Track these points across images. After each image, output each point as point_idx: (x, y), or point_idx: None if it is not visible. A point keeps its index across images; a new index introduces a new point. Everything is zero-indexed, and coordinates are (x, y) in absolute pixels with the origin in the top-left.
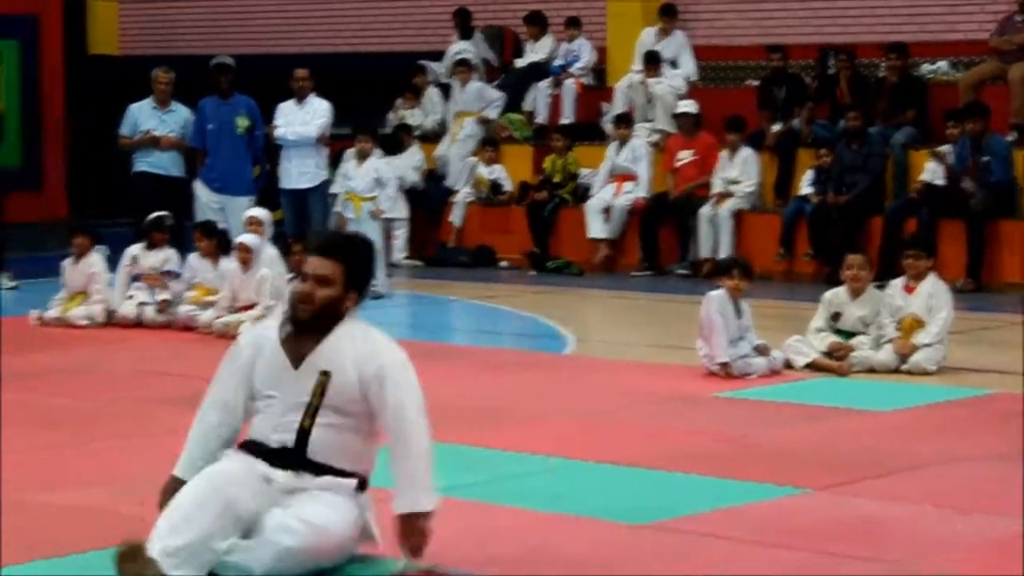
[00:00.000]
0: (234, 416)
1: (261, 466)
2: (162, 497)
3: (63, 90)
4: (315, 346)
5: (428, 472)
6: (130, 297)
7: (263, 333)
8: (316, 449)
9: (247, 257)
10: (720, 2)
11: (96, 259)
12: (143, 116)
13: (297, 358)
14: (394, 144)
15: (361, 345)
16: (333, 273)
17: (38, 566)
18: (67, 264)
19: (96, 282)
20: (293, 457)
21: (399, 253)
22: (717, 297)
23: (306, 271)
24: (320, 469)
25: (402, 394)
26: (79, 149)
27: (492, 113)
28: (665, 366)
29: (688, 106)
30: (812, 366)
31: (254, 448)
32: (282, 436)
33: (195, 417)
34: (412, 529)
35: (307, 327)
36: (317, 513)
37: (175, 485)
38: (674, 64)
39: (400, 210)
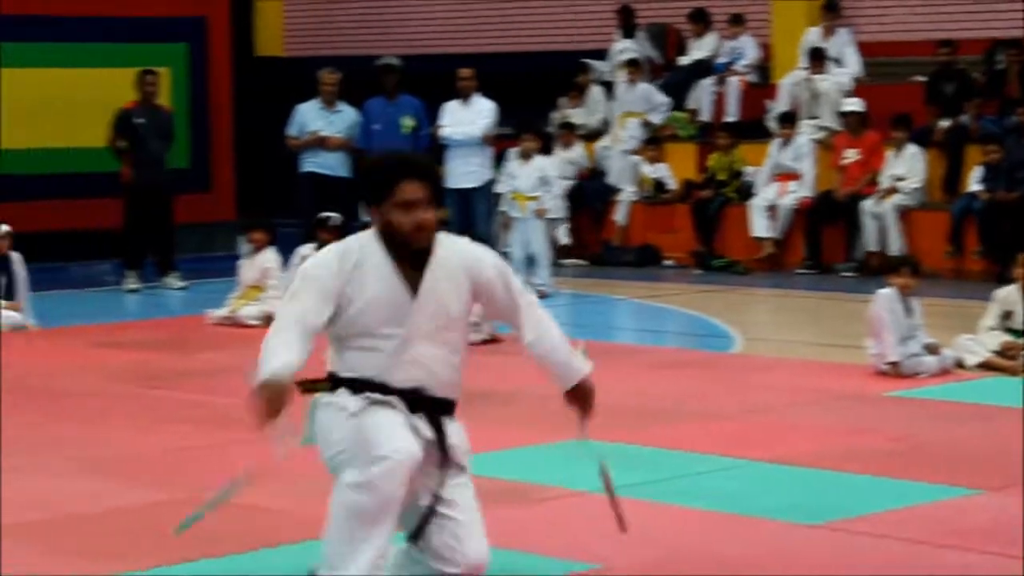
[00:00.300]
0: (311, 341)
1: (403, 415)
2: (266, 398)
3: (230, 92)
4: (423, 271)
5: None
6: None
7: (355, 268)
8: (443, 382)
9: None
10: None
11: (271, 255)
12: (310, 117)
13: (413, 287)
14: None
15: (464, 254)
16: (428, 194)
17: (212, 564)
18: (243, 260)
19: (270, 277)
20: (425, 396)
21: (561, 253)
22: (886, 295)
23: (412, 198)
24: (447, 406)
25: (523, 287)
26: (246, 150)
27: (656, 118)
28: (833, 365)
29: (855, 104)
30: (984, 365)
31: (379, 389)
32: (410, 374)
33: (272, 330)
34: (582, 392)
35: (417, 254)
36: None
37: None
38: (838, 62)
39: (562, 209)
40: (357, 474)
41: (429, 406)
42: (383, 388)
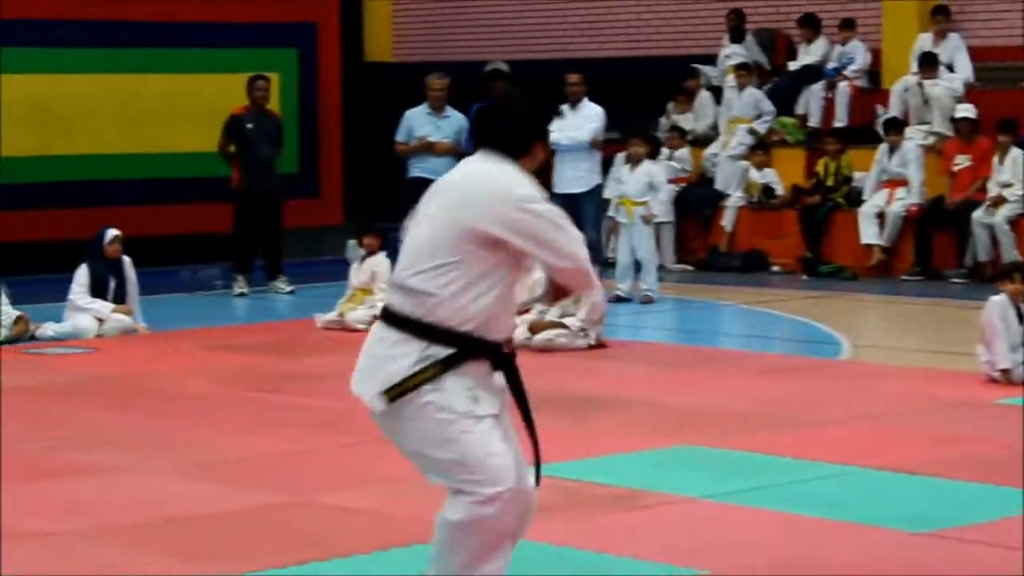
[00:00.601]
0: None
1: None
2: None
3: (339, 97)
4: None
5: None
6: None
7: None
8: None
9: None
10: (997, 2)
11: (382, 259)
12: (418, 122)
13: None
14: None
15: None
16: None
17: (320, 567)
18: (354, 264)
19: (379, 281)
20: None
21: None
22: (998, 302)
23: None
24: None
25: None
26: (354, 155)
27: (762, 128)
28: (943, 372)
29: (967, 110)
30: None
31: (476, 344)
32: (510, 323)
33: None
34: (594, 307)
35: None
36: None
37: None
38: (950, 67)
39: (668, 214)
40: (481, 504)
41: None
42: (480, 344)
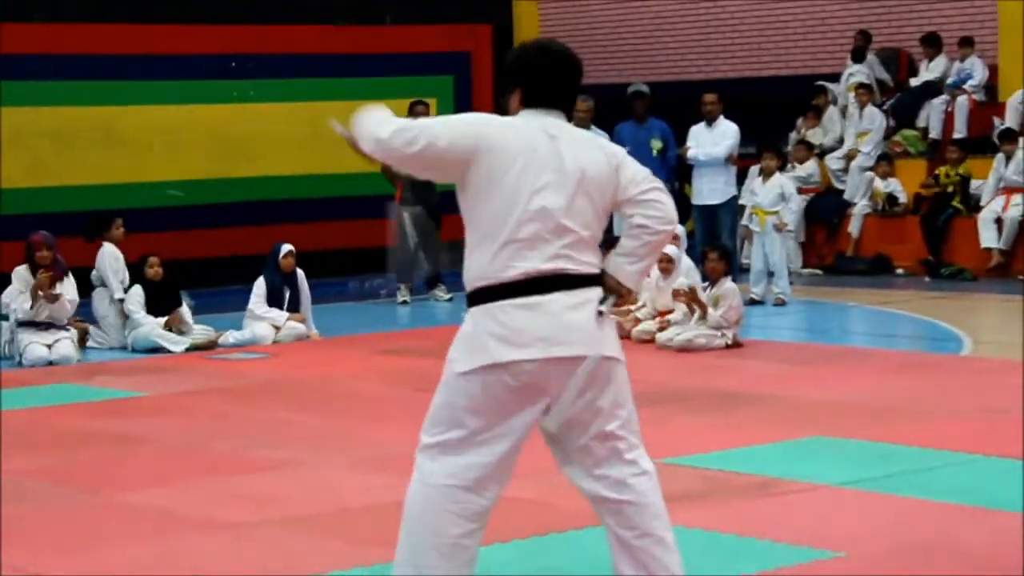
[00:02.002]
0: None
1: None
2: None
3: None
4: None
5: None
6: None
7: None
8: None
9: (668, 267)
10: None
11: None
12: None
13: None
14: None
15: None
16: None
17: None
18: None
19: None
20: None
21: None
22: None
23: None
24: None
25: None
26: None
27: (867, 149)
28: None
29: None
30: None
31: None
32: None
33: None
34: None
35: None
36: None
37: None
38: None
39: (799, 222)
40: None
41: None
42: None
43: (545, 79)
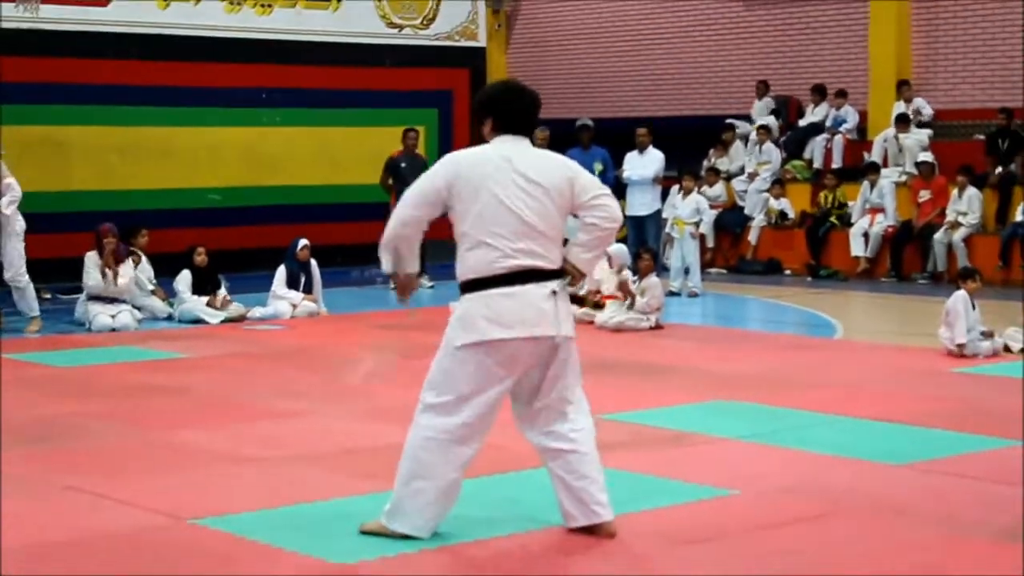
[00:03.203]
0: None
1: None
2: None
3: (469, 144)
4: None
5: None
6: None
7: None
8: None
9: (614, 262)
10: (955, 76)
11: None
12: None
13: None
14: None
15: None
16: None
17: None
18: None
19: None
20: None
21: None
22: (959, 296)
23: None
24: None
25: None
26: None
27: (765, 175)
28: (912, 348)
29: (927, 156)
30: None
31: None
32: None
33: None
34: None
35: None
36: None
37: None
38: (919, 124)
39: (710, 231)
40: None
41: None
42: None
43: (512, 111)
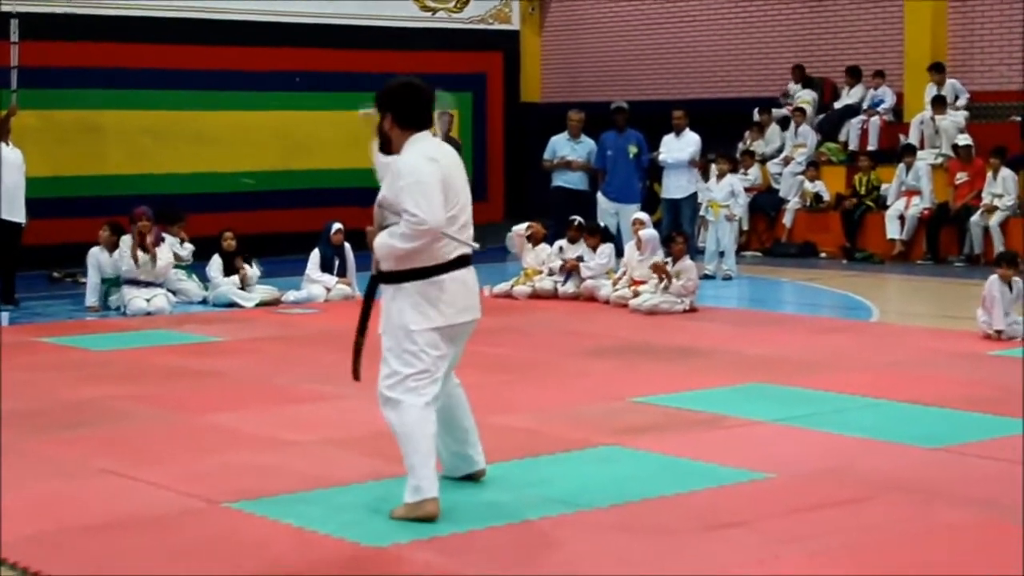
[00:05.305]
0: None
1: None
2: None
3: (502, 127)
4: None
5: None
6: (551, 274)
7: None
8: None
9: (644, 246)
10: (991, 57)
11: (545, 246)
12: (559, 145)
13: None
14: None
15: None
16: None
17: (492, 468)
18: (527, 249)
19: (548, 262)
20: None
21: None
22: (994, 280)
23: None
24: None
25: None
26: (513, 170)
27: (800, 158)
28: (949, 331)
29: (964, 139)
30: None
31: None
32: None
33: None
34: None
35: None
36: None
37: None
38: (955, 106)
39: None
40: None
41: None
42: None
43: (416, 107)
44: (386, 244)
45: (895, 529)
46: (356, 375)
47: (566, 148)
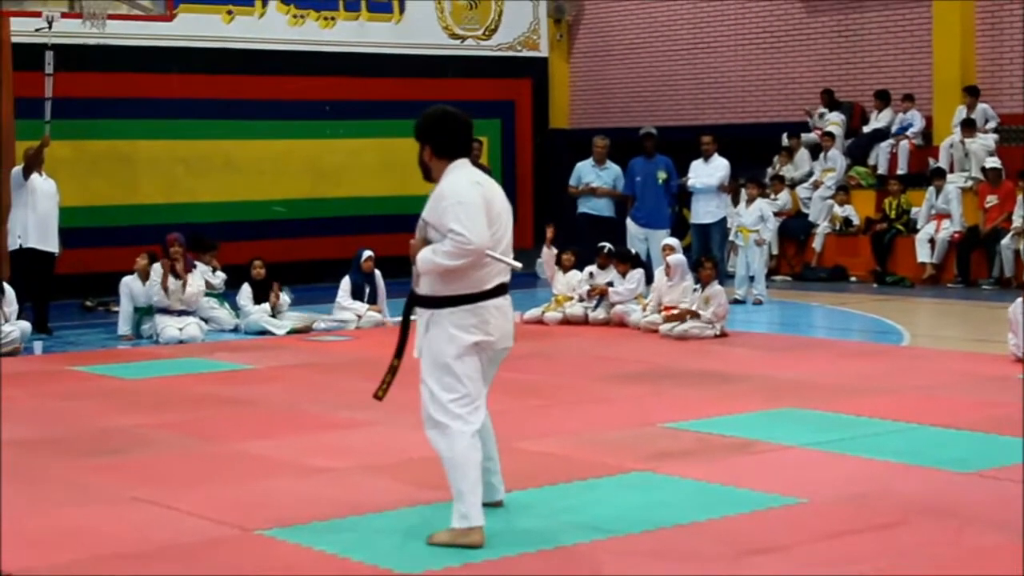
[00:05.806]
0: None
1: None
2: None
3: (531, 153)
4: None
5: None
6: (581, 300)
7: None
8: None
9: (673, 272)
10: (1020, 80)
11: (575, 272)
12: (585, 172)
13: None
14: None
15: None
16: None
17: (521, 495)
18: (558, 276)
19: (578, 288)
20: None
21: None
22: (1021, 302)
23: None
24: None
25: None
26: (541, 195)
27: (829, 182)
28: (979, 354)
29: (994, 162)
30: None
31: None
32: None
33: None
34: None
35: None
36: None
37: None
38: (985, 129)
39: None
40: None
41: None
42: None
43: (454, 136)
44: (429, 260)
45: (928, 554)
46: (379, 395)
47: (591, 174)
